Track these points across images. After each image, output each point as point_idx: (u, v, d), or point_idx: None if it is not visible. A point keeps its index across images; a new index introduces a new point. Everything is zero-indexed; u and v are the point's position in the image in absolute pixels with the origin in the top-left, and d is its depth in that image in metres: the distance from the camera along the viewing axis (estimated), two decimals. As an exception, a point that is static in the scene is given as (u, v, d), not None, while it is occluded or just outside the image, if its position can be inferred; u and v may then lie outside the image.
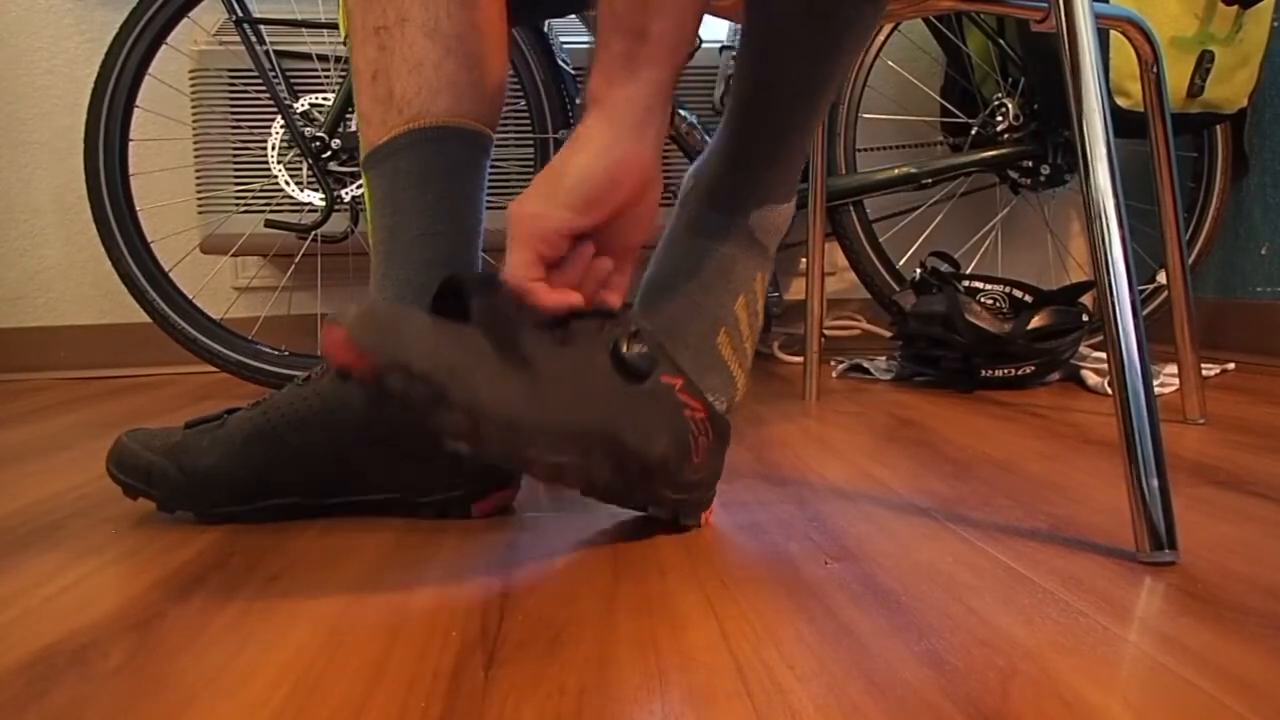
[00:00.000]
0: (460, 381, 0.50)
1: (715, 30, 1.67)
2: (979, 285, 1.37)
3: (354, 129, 1.45)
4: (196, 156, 1.58)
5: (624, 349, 0.58)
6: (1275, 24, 1.50)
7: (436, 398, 0.49)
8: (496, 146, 0.79)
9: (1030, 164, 1.58)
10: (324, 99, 1.49)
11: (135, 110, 1.48)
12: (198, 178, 1.58)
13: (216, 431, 0.71)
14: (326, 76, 1.52)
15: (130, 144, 1.48)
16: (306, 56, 1.52)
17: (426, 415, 0.50)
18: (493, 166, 0.79)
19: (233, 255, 1.66)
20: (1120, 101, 1.36)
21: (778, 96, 0.70)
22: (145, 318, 1.49)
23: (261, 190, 1.57)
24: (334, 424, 0.69)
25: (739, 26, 1.58)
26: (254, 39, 1.46)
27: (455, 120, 0.74)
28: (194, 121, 1.57)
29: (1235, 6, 1.36)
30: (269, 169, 1.54)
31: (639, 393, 0.59)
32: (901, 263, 1.70)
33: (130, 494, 0.72)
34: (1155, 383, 1.13)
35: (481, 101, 0.76)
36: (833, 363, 1.57)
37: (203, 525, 0.71)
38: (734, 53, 1.53)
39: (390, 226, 0.74)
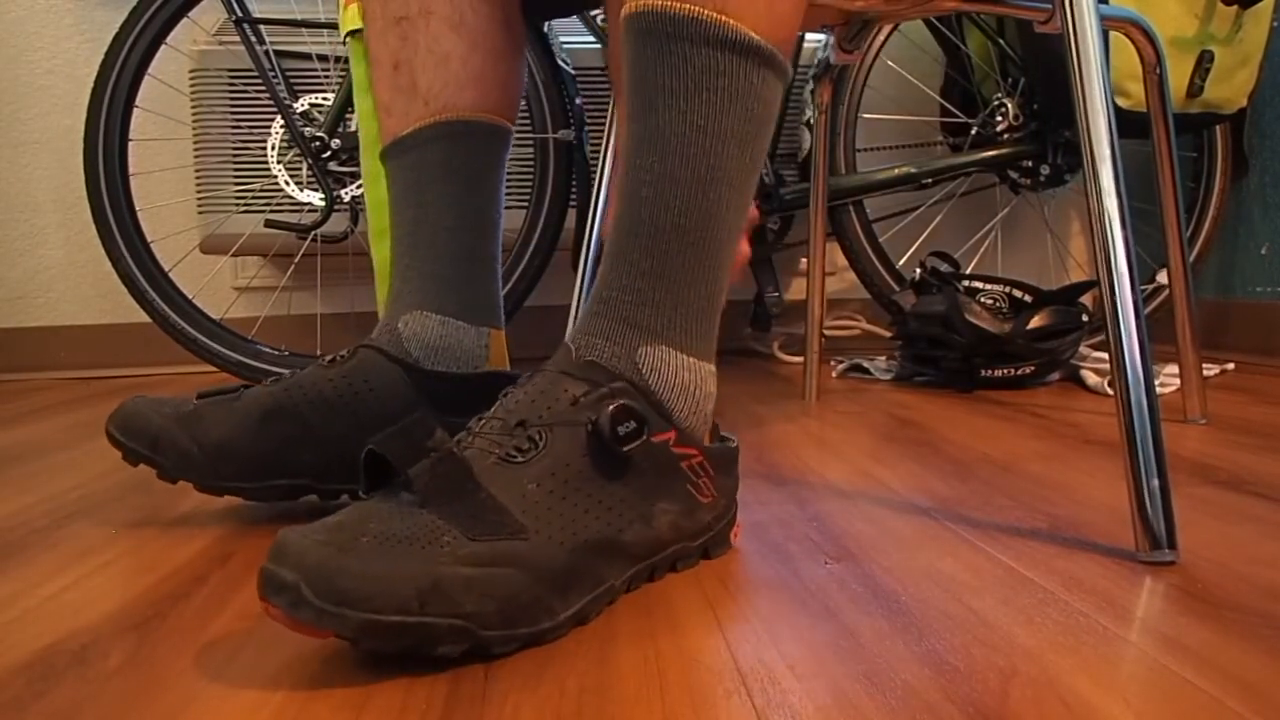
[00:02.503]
0: (440, 601, 0.44)
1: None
2: (979, 285, 1.37)
3: (353, 129, 1.45)
4: (196, 156, 1.58)
5: (606, 432, 0.51)
6: (1275, 24, 1.50)
7: (427, 639, 0.44)
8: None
9: (1030, 164, 1.58)
10: (324, 99, 1.49)
11: (135, 110, 1.48)
12: (198, 178, 1.58)
13: (233, 403, 0.69)
14: (326, 76, 1.52)
15: (130, 144, 1.48)
16: (306, 56, 1.52)
17: (425, 651, 0.44)
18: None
19: (233, 255, 1.66)
20: (1120, 102, 1.36)
21: (655, 178, 0.55)
22: (145, 318, 1.49)
23: (261, 190, 1.57)
24: (358, 409, 0.69)
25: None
26: (254, 39, 1.46)
27: (481, 115, 0.74)
28: (194, 121, 1.57)
29: (1235, 6, 1.36)
30: (269, 169, 1.54)
31: (626, 482, 0.53)
32: (901, 263, 1.70)
33: (130, 459, 0.68)
34: (1155, 383, 1.13)
35: (505, 95, 0.76)
36: (833, 363, 1.57)
37: (203, 525, 0.71)
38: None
39: (415, 219, 0.73)
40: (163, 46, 1.47)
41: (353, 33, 1.12)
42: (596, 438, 0.51)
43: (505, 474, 0.49)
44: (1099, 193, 0.63)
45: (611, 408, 0.51)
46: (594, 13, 1.47)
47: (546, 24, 1.49)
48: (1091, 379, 1.31)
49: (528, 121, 1.51)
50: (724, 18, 0.53)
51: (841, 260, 1.67)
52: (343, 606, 0.42)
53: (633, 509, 0.53)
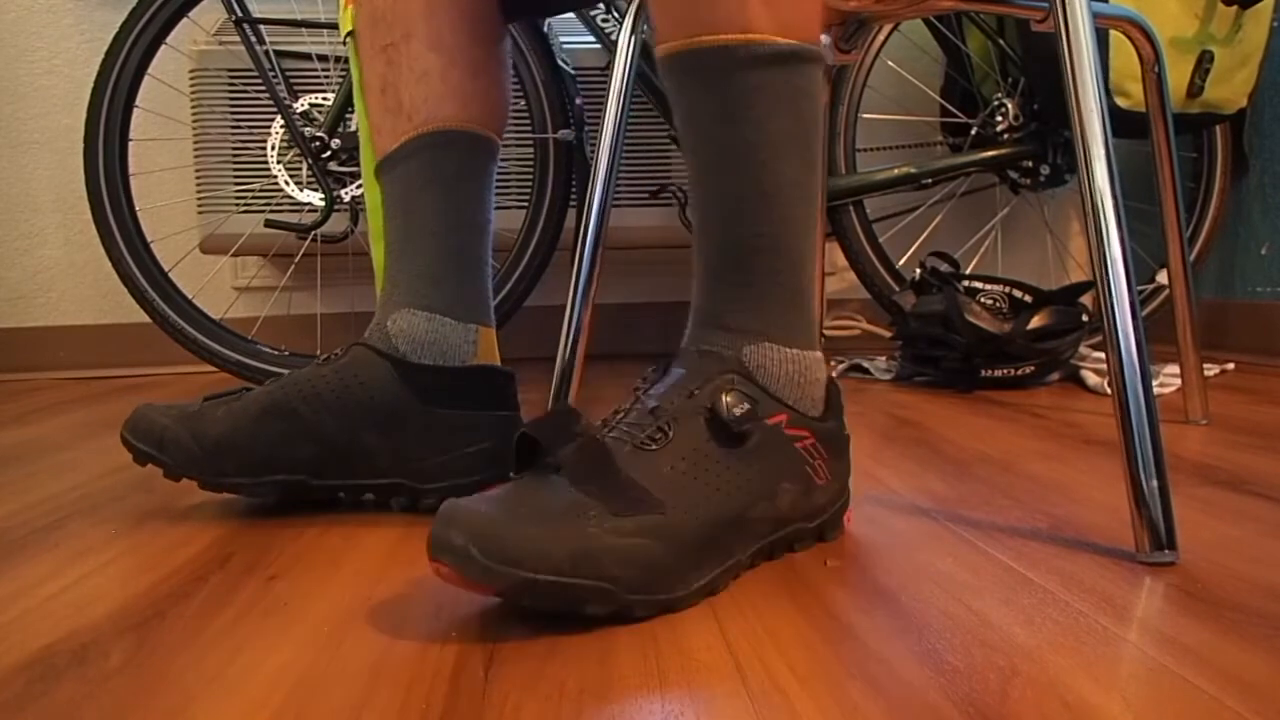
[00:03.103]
0: (588, 566, 0.48)
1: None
2: (979, 285, 1.37)
3: (353, 129, 1.45)
4: (196, 156, 1.58)
5: (724, 414, 0.55)
6: (1275, 24, 1.50)
7: (577, 599, 0.49)
8: (495, 146, 0.80)
9: (1030, 164, 1.58)
10: (324, 99, 1.49)
11: (135, 110, 1.48)
12: (198, 178, 1.58)
13: (233, 404, 0.73)
14: (326, 76, 1.52)
15: (130, 144, 1.48)
16: (306, 56, 1.52)
17: (575, 610, 0.49)
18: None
19: (233, 255, 1.66)
20: (1120, 102, 1.36)
21: (716, 182, 0.60)
22: (145, 318, 1.49)
23: (261, 190, 1.57)
24: (347, 402, 0.72)
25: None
26: (254, 39, 1.46)
27: (462, 125, 0.77)
28: (194, 121, 1.57)
29: (1235, 6, 1.36)
30: (269, 169, 1.54)
31: (748, 455, 0.57)
32: (901, 263, 1.70)
33: (140, 460, 0.72)
34: (1155, 383, 1.13)
35: (487, 107, 0.79)
36: (833, 363, 1.57)
37: (202, 525, 0.71)
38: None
39: (403, 228, 0.77)
40: (163, 46, 1.47)
41: (353, 33, 1.12)
42: (716, 421, 0.56)
43: (640, 458, 0.54)
44: (1094, 191, 0.63)
45: (725, 394, 0.56)
46: (593, 12, 1.47)
47: (546, 24, 1.49)
48: (1091, 379, 1.31)
49: (528, 122, 1.51)
50: (748, 36, 0.56)
51: (841, 260, 1.67)
52: (506, 565, 0.47)
53: (758, 488, 0.57)
